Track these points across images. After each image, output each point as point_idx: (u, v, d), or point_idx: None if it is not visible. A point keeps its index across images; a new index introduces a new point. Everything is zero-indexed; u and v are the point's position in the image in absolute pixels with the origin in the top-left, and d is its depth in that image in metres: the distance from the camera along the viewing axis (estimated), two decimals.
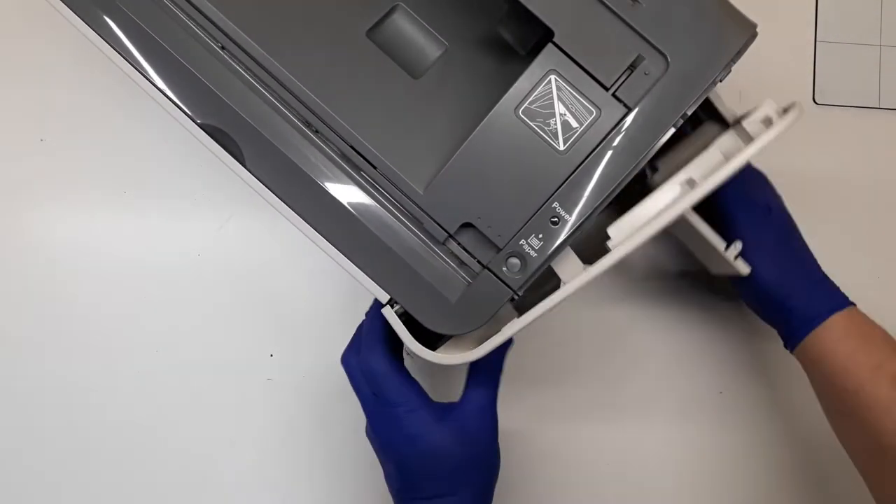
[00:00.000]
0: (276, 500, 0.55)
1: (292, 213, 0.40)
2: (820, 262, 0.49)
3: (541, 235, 0.39)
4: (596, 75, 0.39)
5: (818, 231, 0.50)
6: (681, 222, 0.48)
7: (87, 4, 0.40)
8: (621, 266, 0.53)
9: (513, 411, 0.55)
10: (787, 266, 0.48)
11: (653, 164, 0.48)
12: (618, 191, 0.39)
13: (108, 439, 0.54)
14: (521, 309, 0.41)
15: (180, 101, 0.40)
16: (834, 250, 0.50)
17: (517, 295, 0.40)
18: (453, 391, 0.50)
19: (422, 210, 0.40)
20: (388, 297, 0.40)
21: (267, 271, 0.56)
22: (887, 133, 0.59)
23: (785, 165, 0.52)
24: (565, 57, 0.39)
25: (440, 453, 0.42)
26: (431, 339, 0.41)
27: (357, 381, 0.44)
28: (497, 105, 0.39)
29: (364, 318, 0.45)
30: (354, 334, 0.46)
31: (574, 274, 0.40)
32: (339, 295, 0.56)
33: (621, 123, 0.39)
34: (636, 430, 0.56)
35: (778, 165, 0.50)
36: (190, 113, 0.40)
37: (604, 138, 0.39)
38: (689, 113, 0.39)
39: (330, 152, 0.41)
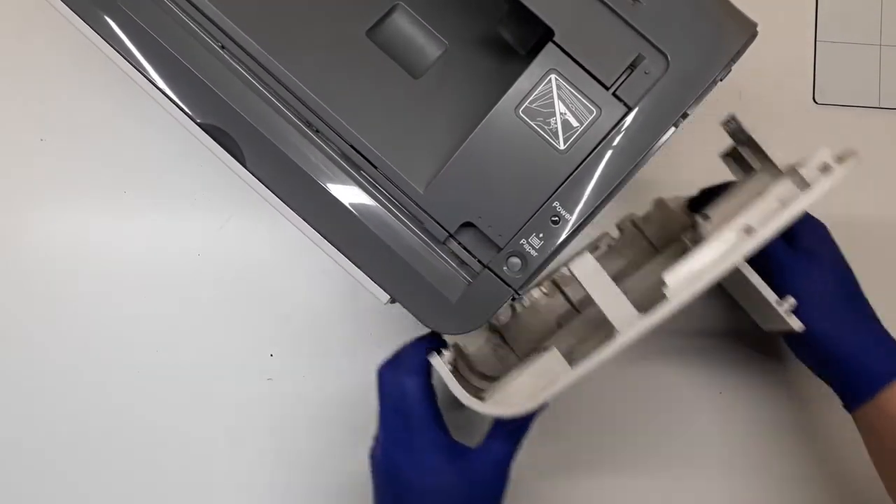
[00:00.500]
0: (276, 500, 0.55)
1: (292, 212, 0.40)
2: None
3: (541, 235, 0.39)
4: (596, 74, 0.39)
5: None
6: (732, 274, 0.45)
7: (87, 4, 0.40)
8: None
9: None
10: (846, 323, 0.45)
11: (705, 213, 0.46)
12: (619, 190, 0.39)
13: (108, 439, 0.54)
14: (572, 359, 0.39)
15: (180, 100, 0.40)
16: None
17: (517, 294, 0.40)
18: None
19: (422, 209, 0.40)
20: (388, 296, 0.40)
21: (267, 271, 0.56)
22: (887, 133, 0.59)
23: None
24: (565, 56, 0.39)
25: (444, 496, 0.41)
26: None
27: (387, 395, 0.42)
28: (497, 104, 0.39)
29: (411, 339, 0.44)
30: (399, 350, 0.44)
31: (629, 322, 0.37)
32: (339, 295, 0.56)
33: (622, 123, 0.39)
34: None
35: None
36: (190, 112, 0.40)
37: (604, 137, 0.39)
38: (690, 113, 0.39)
39: (330, 152, 0.41)
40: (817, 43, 0.60)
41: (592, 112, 0.39)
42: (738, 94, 0.56)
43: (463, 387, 0.39)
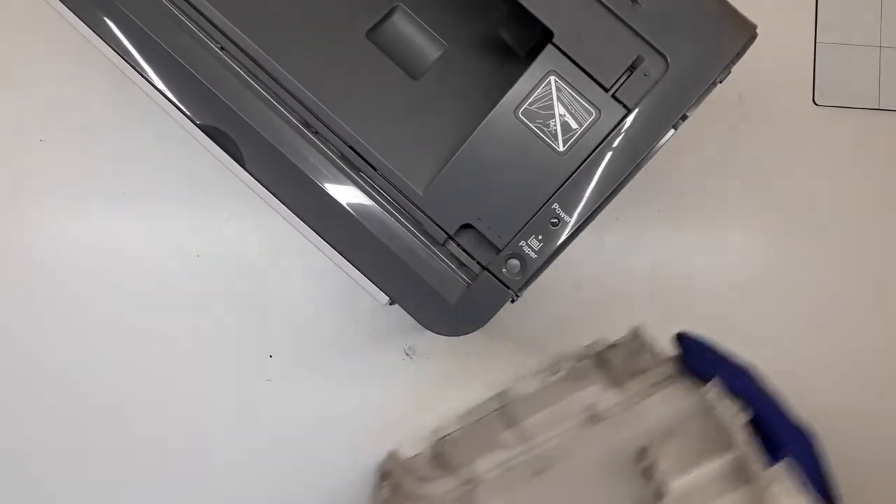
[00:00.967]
0: (276, 501, 0.55)
1: (291, 214, 0.40)
2: (818, 259, 0.46)
3: (541, 237, 0.39)
4: (595, 76, 0.39)
5: (818, 231, 0.50)
6: None
7: (87, 5, 0.40)
8: None
9: None
10: None
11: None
12: (618, 192, 0.39)
13: (107, 439, 0.54)
14: None
15: (180, 101, 0.40)
16: (834, 250, 0.50)
17: (517, 296, 0.40)
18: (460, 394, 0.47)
19: (421, 211, 0.40)
20: (387, 298, 0.40)
21: (266, 272, 0.56)
22: (887, 134, 0.59)
23: (784, 166, 0.52)
24: (565, 58, 0.39)
25: None
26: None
27: None
28: (497, 106, 0.39)
29: None
30: None
31: None
32: (338, 296, 0.56)
33: (621, 124, 0.39)
34: None
35: (777, 167, 0.50)
36: (189, 114, 0.40)
37: (603, 139, 0.39)
38: (689, 115, 0.39)
39: (329, 153, 0.41)
40: (817, 44, 0.59)
41: (592, 114, 0.39)
42: (738, 96, 0.56)
43: None
